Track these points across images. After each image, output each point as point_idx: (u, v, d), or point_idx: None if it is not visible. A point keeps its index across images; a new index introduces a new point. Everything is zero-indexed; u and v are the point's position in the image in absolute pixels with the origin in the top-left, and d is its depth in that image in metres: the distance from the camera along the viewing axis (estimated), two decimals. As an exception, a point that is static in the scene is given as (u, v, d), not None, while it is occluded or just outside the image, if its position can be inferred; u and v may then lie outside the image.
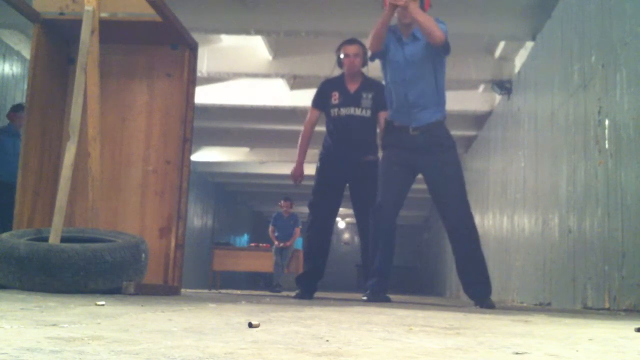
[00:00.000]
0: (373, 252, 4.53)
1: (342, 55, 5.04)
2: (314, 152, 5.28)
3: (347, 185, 5.13)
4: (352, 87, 5.07)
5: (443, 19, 4.72)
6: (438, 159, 4.39)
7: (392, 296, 4.95)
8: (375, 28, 4.37)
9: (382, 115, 4.91)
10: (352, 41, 5.08)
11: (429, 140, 4.38)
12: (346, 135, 5.03)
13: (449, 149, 4.44)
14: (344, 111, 5.04)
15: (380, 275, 4.48)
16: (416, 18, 4.22)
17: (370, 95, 5.03)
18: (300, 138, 5.25)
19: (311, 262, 5.07)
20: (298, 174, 5.22)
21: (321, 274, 5.09)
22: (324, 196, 5.08)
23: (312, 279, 5.05)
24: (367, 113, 5.02)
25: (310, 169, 5.43)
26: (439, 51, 4.34)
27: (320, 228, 5.08)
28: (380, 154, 4.86)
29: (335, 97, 5.07)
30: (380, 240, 4.49)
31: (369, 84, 5.10)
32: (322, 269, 5.09)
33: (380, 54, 4.47)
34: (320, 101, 5.17)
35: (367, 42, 4.50)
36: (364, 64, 5.07)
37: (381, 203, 4.50)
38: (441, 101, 4.46)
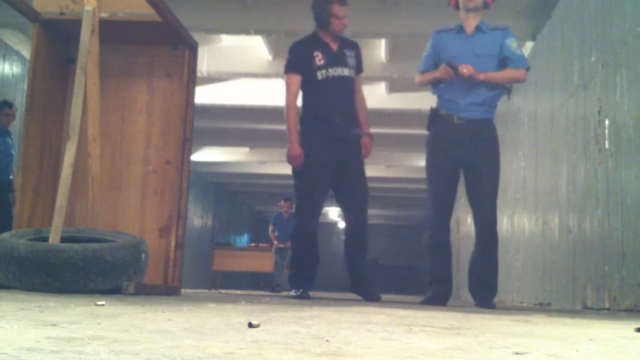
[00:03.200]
0: (430, 263, 4.44)
1: (331, 15, 4.49)
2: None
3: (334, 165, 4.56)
4: (334, 46, 4.56)
5: (444, 19, 4.74)
6: (480, 155, 4.36)
7: (392, 296, 4.95)
8: (424, 78, 4.49)
9: (359, 82, 4.67)
10: (343, 1, 4.52)
11: (474, 134, 4.34)
12: (336, 101, 4.50)
13: (492, 145, 4.41)
14: (332, 72, 4.48)
15: (440, 282, 4.38)
16: (493, 82, 4.32)
17: (353, 54, 4.60)
18: (287, 115, 4.52)
19: (307, 249, 4.60)
20: (297, 153, 4.46)
21: (316, 268, 4.63)
22: (317, 180, 4.53)
23: (310, 267, 4.61)
24: (352, 73, 4.56)
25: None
26: None
27: (313, 216, 4.59)
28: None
29: (319, 58, 4.49)
30: (436, 254, 4.43)
31: (347, 42, 4.65)
32: (317, 262, 4.63)
33: None
34: (300, 64, 4.52)
35: (416, 80, 4.58)
36: None
37: (432, 218, 4.45)
38: (493, 103, 4.46)
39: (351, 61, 4.57)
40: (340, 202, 4.77)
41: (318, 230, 4.72)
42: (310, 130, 4.54)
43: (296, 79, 4.53)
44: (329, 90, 4.50)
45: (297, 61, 4.55)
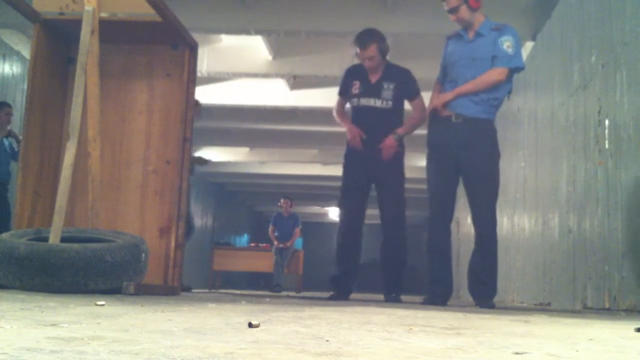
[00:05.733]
0: (430, 264, 4.50)
1: (357, 56, 4.90)
2: (337, 153, 5.22)
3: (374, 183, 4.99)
4: (374, 77, 4.90)
5: (444, 19, 4.73)
6: (479, 156, 4.35)
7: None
8: (434, 90, 4.60)
9: (416, 105, 4.92)
10: (364, 44, 4.80)
11: (472, 134, 4.33)
12: (366, 128, 4.86)
13: (491, 145, 4.40)
14: (363, 102, 4.89)
15: (440, 282, 4.44)
16: (467, 94, 4.31)
17: (392, 86, 4.85)
18: (336, 116, 5.14)
19: (344, 264, 4.94)
20: (356, 132, 4.86)
21: (355, 275, 4.96)
22: (351, 194, 4.95)
23: (346, 280, 4.92)
24: (388, 105, 4.85)
25: (335, 170, 5.32)
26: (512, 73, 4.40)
27: (350, 227, 4.97)
28: (404, 146, 4.94)
29: (355, 87, 4.92)
30: (434, 253, 4.47)
31: (391, 72, 4.92)
32: (356, 269, 4.97)
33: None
34: (343, 89, 5.06)
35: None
36: (384, 55, 4.87)
37: (430, 219, 4.52)
38: (492, 103, 4.39)
39: (386, 94, 4.87)
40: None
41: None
42: (347, 146, 5.01)
43: (340, 100, 5.13)
44: (359, 117, 4.95)
45: (342, 86, 5.10)
